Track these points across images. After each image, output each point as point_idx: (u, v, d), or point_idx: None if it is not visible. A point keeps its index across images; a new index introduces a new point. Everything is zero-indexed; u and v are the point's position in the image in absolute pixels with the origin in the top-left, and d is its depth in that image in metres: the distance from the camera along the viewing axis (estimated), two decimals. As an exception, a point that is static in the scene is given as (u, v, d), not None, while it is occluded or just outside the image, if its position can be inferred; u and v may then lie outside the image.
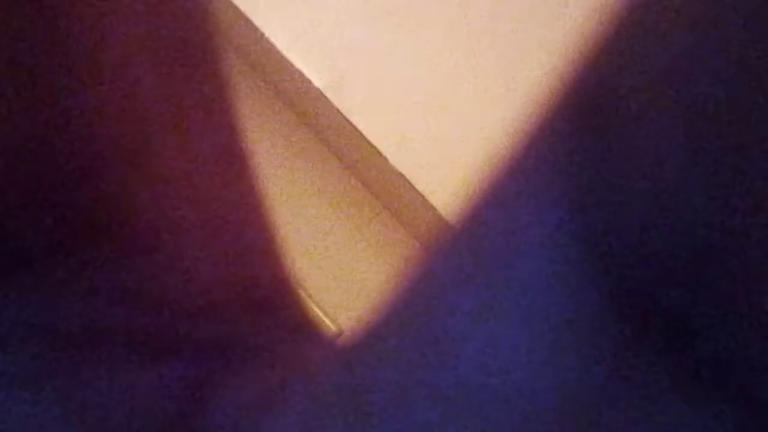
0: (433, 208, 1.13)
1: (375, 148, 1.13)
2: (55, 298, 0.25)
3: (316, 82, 1.13)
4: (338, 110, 1.13)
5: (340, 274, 1.23)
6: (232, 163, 0.28)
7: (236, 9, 1.13)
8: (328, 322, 1.21)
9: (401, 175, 1.13)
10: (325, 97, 1.13)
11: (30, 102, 0.24)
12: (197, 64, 0.27)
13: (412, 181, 1.12)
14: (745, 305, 0.14)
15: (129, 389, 0.24)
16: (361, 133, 1.13)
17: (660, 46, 0.15)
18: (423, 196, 1.13)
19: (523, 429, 0.17)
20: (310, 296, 1.20)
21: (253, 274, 0.28)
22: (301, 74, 1.13)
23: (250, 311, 0.27)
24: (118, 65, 0.25)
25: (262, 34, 1.14)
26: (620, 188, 0.15)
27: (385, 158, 1.13)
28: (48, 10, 0.23)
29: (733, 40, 0.14)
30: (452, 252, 0.19)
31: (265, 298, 0.28)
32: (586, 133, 0.16)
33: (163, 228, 0.26)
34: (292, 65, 1.14)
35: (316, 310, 1.20)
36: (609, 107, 0.16)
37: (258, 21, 1.13)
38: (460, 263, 0.19)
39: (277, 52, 1.14)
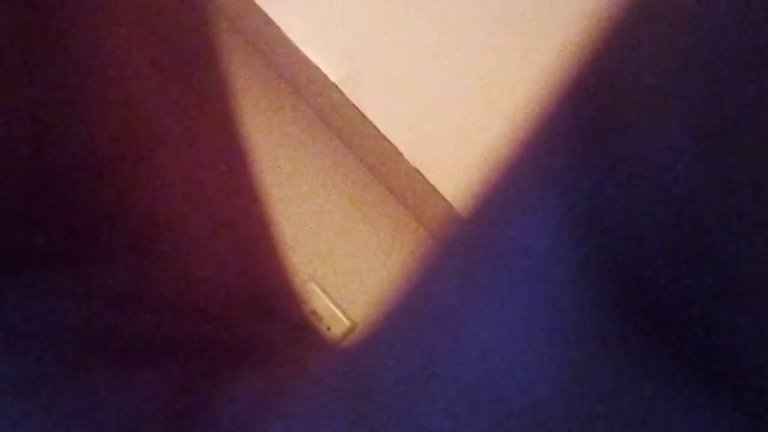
0: (447, 203, 1.13)
1: (390, 142, 1.13)
2: (54, 298, 0.25)
3: (332, 77, 1.13)
4: (353, 105, 1.13)
5: (353, 269, 1.23)
6: (234, 162, 0.28)
7: (251, 1, 1.13)
8: (341, 316, 1.21)
9: (416, 170, 1.13)
10: (341, 91, 1.13)
11: (30, 102, 0.24)
12: (200, 62, 0.27)
13: (427, 176, 1.12)
14: (748, 306, 0.14)
15: (127, 390, 0.24)
16: (376, 128, 1.13)
17: (664, 47, 0.15)
18: (437, 191, 1.12)
19: (524, 429, 0.17)
20: (323, 291, 1.21)
21: (253, 273, 0.28)
22: (316, 68, 1.13)
23: (251, 311, 0.27)
24: (119, 64, 0.25)
25: (278, 28, 1.14)
26: (624, 189, 0.15)
27: (400, 153, 1.13)
28: (47, 8, 0.23)
29: (739, 41, 0.14)
30: (462, 249, 0.19)
31: (266, 298, 0.28)
32: (592, 133, 0.16)
33: (163, 227, 0.26)
34: (307, 59, 1.14)
35: (330, 304, 1.20)
36: (613, 107, 0.16)
37: (273, 14, 1.13)
38: (469, 261, 0.18)
39: (293, 46, 1.14)
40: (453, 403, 0.17)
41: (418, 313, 0.19)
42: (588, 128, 0.16)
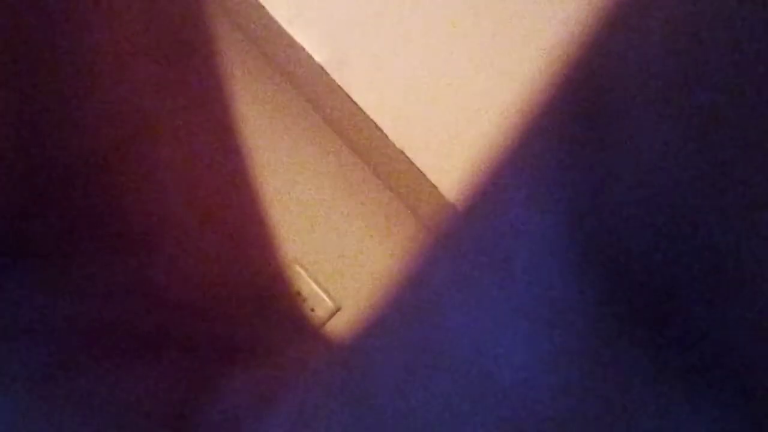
0: (432, 186, 1.13)
1: (375, 124, 1.13)
2: (50, 294, 0.25)
3: (318, 58, 1.13)
4: (339, 86, 1.13)
5: (338, 251, 1.24)
6: (229, 157, 0.28)
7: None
8: (325, 298, 1.21)
9: (401, 152, 1.12)
10: (327, 73, 1.13)
11: (27, 98, 0.24)
12: (195, 58, 0.27)
13: (412, 158, 1.12)
14: (748, 303, 0.14)
15: (124, 386, 0.24)
16: (361, 110, 1.13)
17: (659, 45, 0.15)
18: (423, 173, 1.12)
19: (520, 424, 0.17)
20: (307, 272, 1.21)
21: (249, 267, 0.28)
22: (302, 50, 1.13)
23: (247, 306, 0.27)
24: (115, 60, 0.25)
25: (264, 9, 1.13)
26: (621, 184, 0.15)
27: (386, 135, 1.13)
28: (45, 6, 0.23)
29: (734, 39, 0.14)
30: (453, 242, 0.19)
31: (262, 292, 0.28)
32: (587, 126, 0.16)
33: (158, 222, 0.26)
34: (293, 40, 1.13)
35: (314, 286, 1.21)
36: (609, 101, 0.16)
37: (259, -5, 1.13)
38: (460, 254, 0.18)
39: (279, 27, 1.13)
40: (448, 396, 0.17)
41: (412, 305, 0.19)
42: (584, 121, 0.16)
